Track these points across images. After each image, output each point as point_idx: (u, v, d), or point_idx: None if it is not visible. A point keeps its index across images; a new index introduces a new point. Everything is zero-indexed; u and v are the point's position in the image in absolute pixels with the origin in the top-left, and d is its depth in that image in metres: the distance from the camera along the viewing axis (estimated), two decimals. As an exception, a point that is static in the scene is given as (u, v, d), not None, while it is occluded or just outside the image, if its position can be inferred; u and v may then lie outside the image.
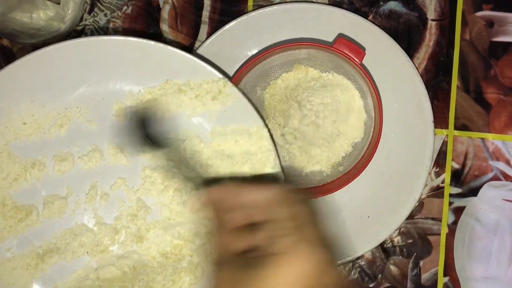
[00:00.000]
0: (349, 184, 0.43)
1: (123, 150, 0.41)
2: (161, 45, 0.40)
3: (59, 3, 0.46)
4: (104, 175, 0.41)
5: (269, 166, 0.40)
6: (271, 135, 0.41)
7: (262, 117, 0.41)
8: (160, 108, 0.40)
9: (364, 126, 0.44)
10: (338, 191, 0.43)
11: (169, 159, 0.39)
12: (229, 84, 0.41)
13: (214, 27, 0.49)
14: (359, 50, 0.40)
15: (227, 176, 0.40)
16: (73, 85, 0.41)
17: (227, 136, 0.41)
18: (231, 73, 0.45)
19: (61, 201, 0.41)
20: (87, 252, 0.41)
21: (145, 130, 0.38)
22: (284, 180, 0.41)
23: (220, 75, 0.41)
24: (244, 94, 0.41)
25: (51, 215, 0.41)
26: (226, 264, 0.30)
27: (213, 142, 0.41)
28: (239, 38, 0.46)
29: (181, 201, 0.41)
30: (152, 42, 0.40)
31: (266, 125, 0.41)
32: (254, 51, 0.46)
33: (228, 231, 0.31)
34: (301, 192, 0.34)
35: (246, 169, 0.41)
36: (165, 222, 0.41)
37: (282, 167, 0.41)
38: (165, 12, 0.50)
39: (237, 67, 0.46)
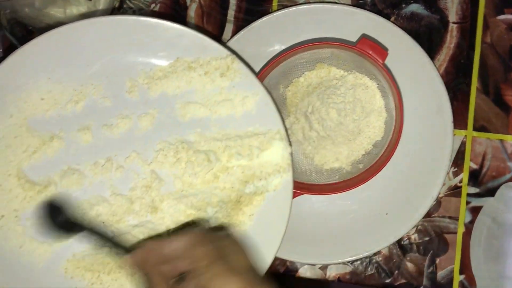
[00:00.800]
0: (368, 181, 0.44)
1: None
2: (171, 24, 0.42)
3: (90, 0, 0.48)
4: (119, 148, 0.43)
5: (277, 138, 0.42)
6: (278, 111, 0.42)
7: (269, 92, 0.42)
8: (61, 197, 0.41)
9: (384, 125, 0.45)
10: (357, 188, 0.44)
11: (90, 239, 0.40)
12: (237, 60, 0.42)
13: (239, 26, 0.50)
14: (382, 50, 0.41)
15: (145, 238, 0.42)
16: (88, 63, 0.43)
17: (234, 101, 0.43)
18: (255, 71, 0.46)
19: (78, 173, 0.42)
20: (103, 222, 0.42)
21: (55, 219, 0.39)
22: (291, 159, 0.42)
23: (228, 52, 0.42)
24: (251, 69, 0.42)
25: (69, 187, 0.42)
26: None
27: (220, 107, 0.43)
28: (263, 36, 0.48)
29: (193, 173, 0.42)
30: (163, 21, 0.42)
31: (274, 101, 0.42)
32: (278, 50, 0.48)
33: (164, 283, 0.35)
34: (217, 229, 0.39)
35: (254, 142, 0.42)
36: (178, 193, 0.43)
37: (290, 141, 0.42)
38: (192, 11, 0.51)
39: (261, 65, 0.47)
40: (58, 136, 0.43)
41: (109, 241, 0.39)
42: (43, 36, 0.41)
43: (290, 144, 0.42)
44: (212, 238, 0.36)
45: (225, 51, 0.42)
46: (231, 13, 0.51)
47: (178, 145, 0.43)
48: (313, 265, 0.48)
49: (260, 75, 0.44)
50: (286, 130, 0.42)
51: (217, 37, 0.51)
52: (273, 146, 0.42)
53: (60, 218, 0.39)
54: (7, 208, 0.41)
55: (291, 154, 0.42)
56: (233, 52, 0.43)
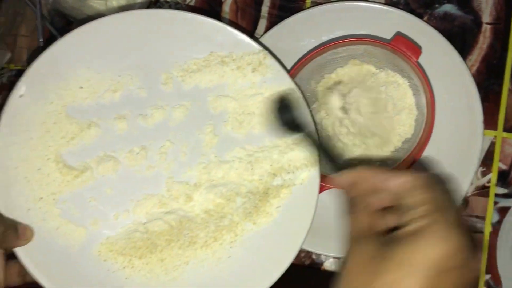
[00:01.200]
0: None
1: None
2: (207, 18, 0.43)
3: (130, -7, 0.50)
4: (153, 138, 0.44)
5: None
6: (309, 107, 0.43)
7: (300, 89, 0.43)
8: (294, 96, 0.43)
9: (415, 123, 0.45)
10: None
11: (309, 143, 0.41)
12: (269, 56, 0.43)
13: (273, 21, 0.51)
14: (416, 48, 0.42)
15: (357, 160, 0.42)
16: (126, 54, 0.44)
17: (265, 96, 0.44)
18: (287, 66, 0.47)
19: (113, 160, 0.44)
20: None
21: (283, 115, 0.41)
22: (319, 154, 0.42)
23: (260, 48, 0.43)
24: (282, 65, 0.44)
25: (105, 173, 0.44)
26: (365, 241, 0.32)
27: (250, 101, 0.44)
28: (296, 32, 0.49)
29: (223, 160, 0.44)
30: (199, 16, 0.43)
31: (304, 96, 0.43)
32: (310, 46, 0.48)
33: (367, 212, 0.33)
34: (437, 177, 0.34)
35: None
36: (208, 183, 0.44)
37: (318, 136, 0.43)
38: (227, 6, 0.52)
39: (293, 60, 0.48)
40: (96, 124, 0.44)
41: (322, 150, 0.40)
42: (84, 27, 0.43)
43: (319, 139, 0.43)
44: (433, 185, 0.32)
45: (257, 47, 0.43)
46: (265, 9, 0.52)
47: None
48: (338, 258, 0.49)
49: (293, 70, 0.45)
50: (315, 125, 0.43)
51: (251, 32, 0.52)
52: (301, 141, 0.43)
53: (287, 115, 0.41)
54: (45, 190, 0.43)
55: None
56: (266, 48, 0.44)
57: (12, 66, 0.58)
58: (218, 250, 0.43)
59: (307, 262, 0.50)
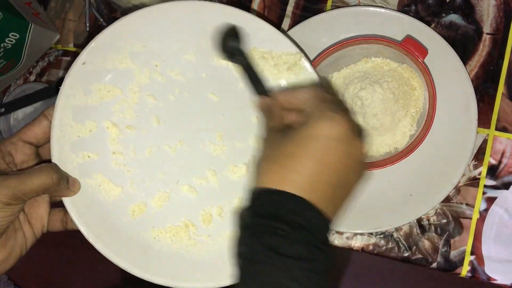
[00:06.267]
0: (398, 165, 0.50)
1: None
2: (254, 17, 0.47)
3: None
4: (206, 123, 0.49)
5: None
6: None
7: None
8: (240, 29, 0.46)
9: (417, 120, 0.51)
10: (386, 170, 0.51)
11: (242, 71, 0.46)
12: (304, 59, 0.47)
13: (296, 20, 0.57)
14: (423, 49, 0.48)
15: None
16: (172, 43, 0.47)
17: None
18: (308, 60, 0.53)
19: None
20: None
21: (227, 43, 0.46)
22: None
23: (298, 50, 0.47)
24: (315, 70, 0.47)
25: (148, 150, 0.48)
26: (276, 130, 0.41)
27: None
28: (317, 31, 0.55)
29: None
30: (247, 13, 0.46)
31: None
32: (330, 43, 0.54)
33: (279, 120, 0.42)
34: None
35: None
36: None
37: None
38: (255, 4, 0.59)
39: (312, 56, 0.54)
40: (152, 96, 0.48)
41: (254, 81, 0.45)
42: (144, 10, 0.46)
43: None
44: (330, 98, 0.41)
45: (295, 48, 0.47)
46: (289, 9, 0.58)
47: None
48: (342, 233, 0.55)
49: (314, 63, 0.51)
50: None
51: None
52: None
53: (231, 43, 0.45)
54: (93, 151, 0.47)
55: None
56: (302, 50, 0.47)
57: (59, 46, 0.65)
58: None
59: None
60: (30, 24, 0.57)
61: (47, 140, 0.45)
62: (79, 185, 0.46)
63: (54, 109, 0.45)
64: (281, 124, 0.42)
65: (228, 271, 0.46)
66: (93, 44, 0.46)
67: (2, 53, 0.58)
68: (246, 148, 0.49)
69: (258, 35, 0.47)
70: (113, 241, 0.47)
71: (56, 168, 0.44)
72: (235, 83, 0.48)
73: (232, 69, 0.48)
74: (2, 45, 0.57)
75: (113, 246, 0.46)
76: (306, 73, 0.47)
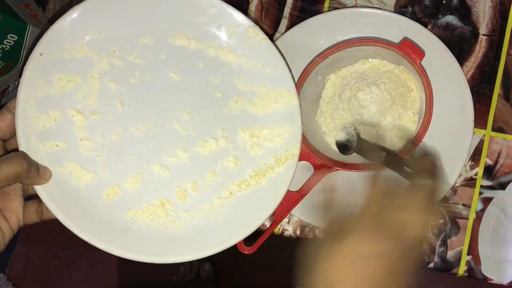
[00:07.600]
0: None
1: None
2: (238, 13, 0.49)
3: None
4: (172, 103, 0.50)
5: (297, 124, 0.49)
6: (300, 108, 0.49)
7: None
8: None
9: (417, 121, 0.52)
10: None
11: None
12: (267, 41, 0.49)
13: (293, 22, 0.58)
14: (420, 51, 0.48)
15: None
16: (128, 28, 0.48)
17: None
18: (306, 62, 0.53)
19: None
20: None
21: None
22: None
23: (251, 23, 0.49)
24: (282, 56, 0.49)
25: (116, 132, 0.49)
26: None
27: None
28: (315, 32, 0.55)
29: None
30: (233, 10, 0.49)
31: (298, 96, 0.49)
32: (327, 45, 0.55)
33: None
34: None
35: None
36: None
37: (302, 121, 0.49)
38: (253, 5, 0.59)
39: (310, 57, 0.54)
40: (114, 81, 0.48)
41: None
42: (88, 2, 0.46)
43: (302, 124, 0.49)
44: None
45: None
46: (287, 10, 0.58)
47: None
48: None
49: (311, 64, 0.51)
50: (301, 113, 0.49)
51: (273, 30, 0.58)
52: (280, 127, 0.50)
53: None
54: (61, 139, 0.47)
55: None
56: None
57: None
58: (214, 200, 0.49)
59: (310, 236, 0.56)
60: (28, 25, 0.57)
61: (13, 134, 0.45)
62: (50, 172, 0.46)
63: (16, 101, 0.45)
64: None
65: (210, 241, 0.47)
66: (48, 34, 0.46)
67: (0, 55, 0.58)
68: (214, 123, 0.50)
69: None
70: (91, 225, 0.47)
71: (25, 155, 0.44)
72: (195, 62, 0.50)
73: (191, 49, 0.49)
74: (0, 46, 0.58)
75: (91, 229, 0.46)
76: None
